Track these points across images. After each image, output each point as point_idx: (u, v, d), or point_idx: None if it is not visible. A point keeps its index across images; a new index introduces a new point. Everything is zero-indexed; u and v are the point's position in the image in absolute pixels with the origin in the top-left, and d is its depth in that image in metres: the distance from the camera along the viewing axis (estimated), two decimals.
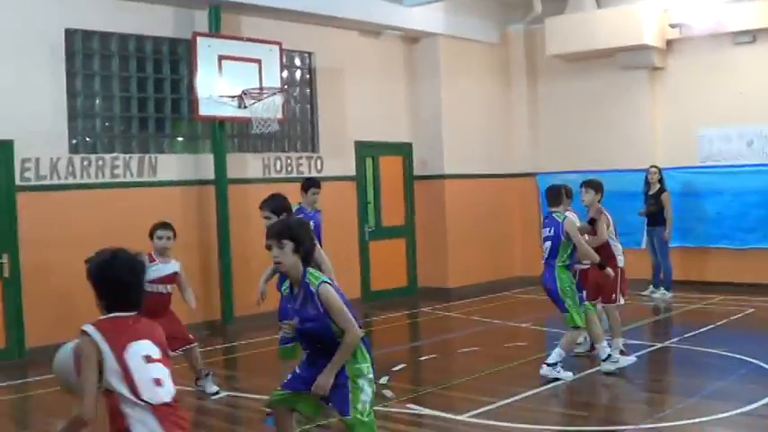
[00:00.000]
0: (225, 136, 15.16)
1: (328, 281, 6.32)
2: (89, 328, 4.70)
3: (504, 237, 19.60)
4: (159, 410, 4.62)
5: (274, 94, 14.98)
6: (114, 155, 14.10)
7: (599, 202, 11.58)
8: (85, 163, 13.72)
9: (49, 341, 12.97)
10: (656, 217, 16.99)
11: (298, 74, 17.00)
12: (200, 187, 14.94)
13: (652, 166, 17.32)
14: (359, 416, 6.40)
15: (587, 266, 11.42)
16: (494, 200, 19.34)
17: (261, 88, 14.87)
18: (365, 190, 17.91)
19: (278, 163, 16.24)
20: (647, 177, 17.20)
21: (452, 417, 9.12)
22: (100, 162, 13.89)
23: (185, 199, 14.78)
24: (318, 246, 8.42)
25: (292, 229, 6.37)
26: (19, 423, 10.18)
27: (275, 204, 9.04)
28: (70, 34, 13.75)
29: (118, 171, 14.08)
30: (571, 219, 10.88)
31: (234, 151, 15.69)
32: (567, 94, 19.80)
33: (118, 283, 4.82)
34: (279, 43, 15.48)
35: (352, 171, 17.46)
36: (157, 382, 4.69)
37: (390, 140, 18.42)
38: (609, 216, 11.56)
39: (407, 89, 18.88)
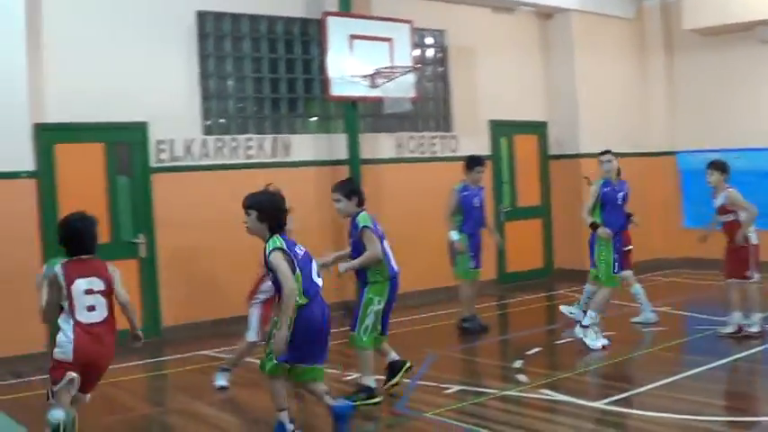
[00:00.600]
0: (357, 116, 15.07)
1: (279, 248, 7.52)
2: (57, 266, 7.25)
3: (643, 218, 19.04)
4: (84, 327, 7.08)
5: (406, 72, 14.84)
6: (248, 136, 14.17)
7: (725, 182, 11.81)
8: (219, 144, 13.81)
9: (185, 320, 13.25)
10: None
11: (429, 52, 16.81)
12: (333, 167, 14.88)
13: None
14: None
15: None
16: (631, 179, 18.66)
17: (392, 67, 14.73)
18: (500, 170, 17.65)
19: (411, 143, 16.11)
20: None
21: (587, 403, 8.85)
22: (234, 143, 13.97)
23: (319, 179, 14.74)
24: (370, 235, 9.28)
25: (260, 202, 7.86)
26: (154, 401, 10.25)
27: (346, 189, 9.45)
28: (202, 16, 13.84)
29: (252, 152, 14.15)
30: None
31: (367, 131, 15.60)
32: (705, 70, 19.17)
33: (73, 233, 7.38)
34: (410, 21, 15.31)
35: (486, 150, 17.20)
36: (90, 308, 7.15)
37: (525, 119, 18.12)
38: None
39: (541, 67, 18.54)
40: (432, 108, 16.81)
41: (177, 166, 13.38)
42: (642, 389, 9.39)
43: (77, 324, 7.05)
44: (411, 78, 15.09)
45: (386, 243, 9.45)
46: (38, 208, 12.21)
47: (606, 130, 18.52)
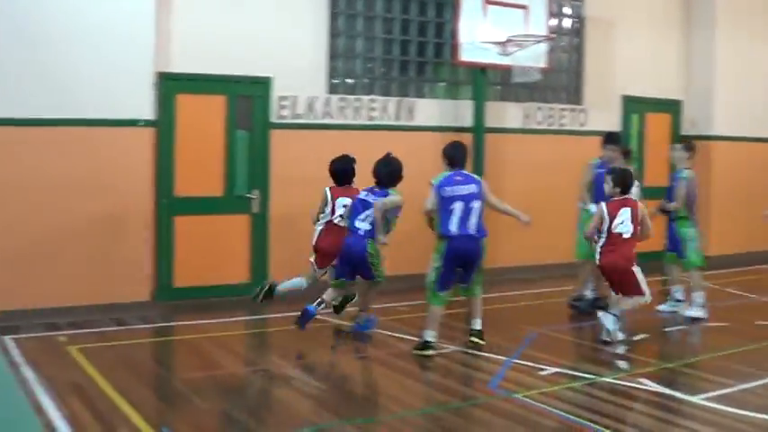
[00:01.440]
0: (486, 83, 14.84)
1: None
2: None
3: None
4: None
5: (539, 42, 14.55)
6: (372, 97, 14.09)
7: None
8: (342, 104, 13.77)
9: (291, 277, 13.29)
10: None
11: (566, 22, 16.45)
12: (457, 134, 14.64)
13: None
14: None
15: None
16: (763, 168, 18.18)
17: (526, 35, 14.44)
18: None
19: (539, 114, 15.84)
20: None
21: (682, 396, 8.63)
22: (357, 104, 13.91)
23: (441, 145, 14.57)
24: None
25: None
26: (245, 360, 10.33)
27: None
28: None
29: (375, 114, 14.08)
30: None
31: (495, 99, 15.38)
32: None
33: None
34: None
35: (616, 126, 16.80)
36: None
37: (659, 96, 17.64)
38: None
39: (680, 43, 17.93)
40: (563, 79, 16.47)
41: (298, 123, 13.37)
42: (746, 385, 9.09)
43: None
44: (544, 48, 14.80)
45: (457, 204, 10.16)
46: (154, 156, 12.36)
47: (746, 113, 17.93)
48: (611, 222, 10.61)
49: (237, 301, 12.40)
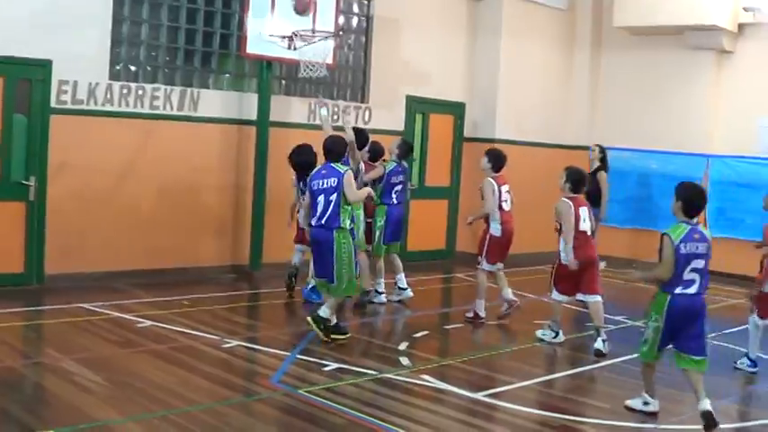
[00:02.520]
0: (272, 77, 14.73)
1: None
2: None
3: (551, 209, 18.89)
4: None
5: (326, 38, 14.51)
6: (156, 85, 13.73)
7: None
8: (125, 91, 13.36)
9: (69, 269, 12.82)
10: (591, 197, 15.82)
11: (354, 20, 16.50)
12: (240, 127, 14.56)
13: (595, 145, 17.29)
14: None
15: None
16: (544, 170, 18.65)
17: (313, 31, 14.37)
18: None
19: (324, 109, 15.77)
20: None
21: (467, 394, 8.72)
22: (140, 91, 13.52)
23: (225, 138, 14.43)
24: None
25: None
26: (22, 353, 9.89)
27: None
28: None
29: (157, 102, 13.72)
30: None
31: (280, 93, 15.28)
32: (631, 69, 19.24)
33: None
34: None
35: (400, 126, 16.98)
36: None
37: (443, 98, 17.89)
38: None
39: (466, 48, 18.31)
40: (349, 77, 16.53)
41: (78, 109, 12.87)
42: (525, 383, 9.32)
43: None
44: (331, 44, 14.77)
45: (320, 197, 10.51)
46: None
47: (525, 118, 18.46)
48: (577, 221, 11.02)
49: (11, 292, 11.89)
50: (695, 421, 8.11)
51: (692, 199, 8.26)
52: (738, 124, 17.82)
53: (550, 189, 18.49)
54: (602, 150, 17.12)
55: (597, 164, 16.91)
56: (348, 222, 10.41)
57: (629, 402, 8.62)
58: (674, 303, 8.03)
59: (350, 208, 10.45)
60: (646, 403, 8.54)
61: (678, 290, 8.01)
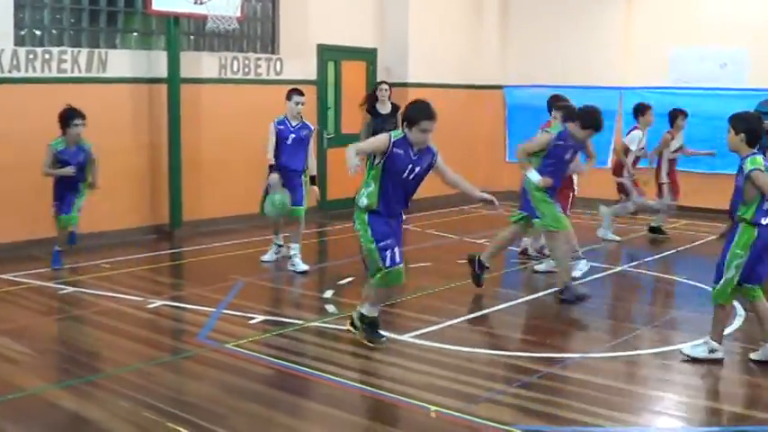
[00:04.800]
0: (180, 33, 14.50)
1: None
2: None
3: (469, 150, 19.04)
4: None
5: None
6: (62, 48, 13.45)
7: None
8: (31, 56, 13.07)
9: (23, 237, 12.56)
10: None
11: None
12: (151, 86, 14.37)
13: (382, 82, 16.33)
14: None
15: None
16: (458, 112, 18.70)
17: None
18: (325, 95, 17.34)
19: (235, 63, 15.61)
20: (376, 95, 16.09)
21: (394, 336, 8.75)
22: (47, 56, 13.23)
23: (135, 97, 14.24)
24: None
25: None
26: None
27: None
28: None
29: (65, 66, 13.45)
30: None
31: (189, 49, 15.10)
32: (541, 5, 19.28)
33: None
34: None
35: (313, 75, 16.89)
36: None
37: (355, 45, 17.80)
38: None
39: None
40: (259, 29, 16.37)
41: None
42: (451, 322, 9.41)
43: None
44: None
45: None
46: None
47: (437, 60, 18.44)
48: None
49: None
50: (623, 348, 8.28)
51: (754, 128, 7.98)
52: (651, 55, 17.98)
53: (466, 129, 18.76)
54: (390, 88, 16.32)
55: (389, 105, 15.98)
56: None
57: (689, 351, 8.27)
58: (761, 234, 7.83)
59: None
60: (712, 350, 8.21)
61: (764, 221, 7.83)
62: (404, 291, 10.06)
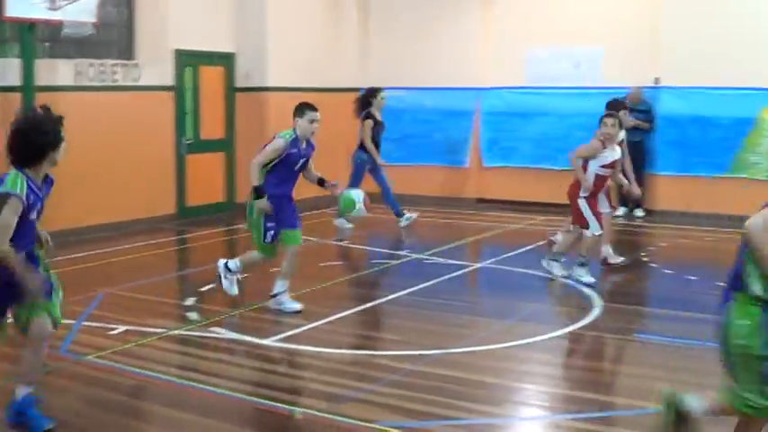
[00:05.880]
0: (34, 40, 14.20)
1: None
2: None
3: (329, 152, 18.99)
4: None
5: None
6: None
7: None
8: None
9: None
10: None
11: None
12: (4, 95, 14.04)
13: (380, 89, 16.50)
14: None
15: None
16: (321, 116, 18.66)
17: None
18: (184, 101, 17.18)
19: (91, 70, 15.36)
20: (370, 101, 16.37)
21: (257, 341, 8.76)
22: None
23: None
24: None
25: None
26: None
27: None
28: None
29: None
30: None
31: (44, 57, 14.82)
32: (400, 8, 19.45)
33: None
34: None
35: (170, 81, 16.72)
36: None
37: (212, 50, 17.69)
38: None
39: None
40: (114, 35, 16.16)
41: None
42: (315, 324, 9.43)
43: None
44: (94, 1, 14.38)
45: None
46: None
47: (296, 64, 18.39)
48: None
49: None
50: (484, 342, 8.44)
51: None
52: (508, 57, 18.31)
53: (327, 133, 18.70)
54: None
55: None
56: None
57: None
58: None
59: None
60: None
61: None
62: (267, 296, 10.07)
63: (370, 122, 15.54)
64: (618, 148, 11.61)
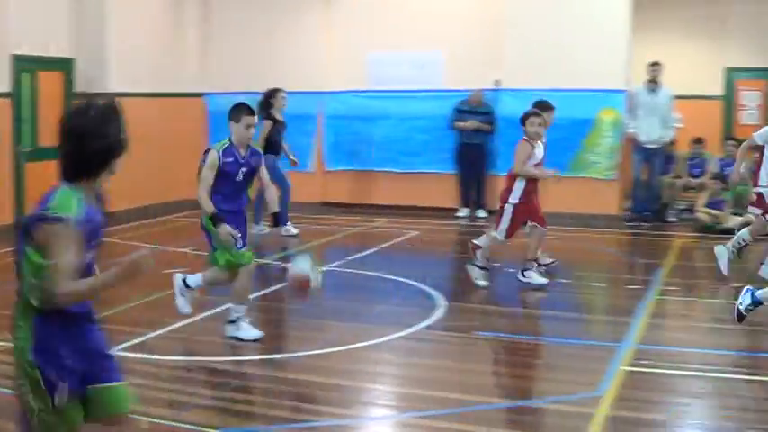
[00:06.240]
0: None
1: None
2: None
3: (172, 159, 18.84)
4: None
5: None
6: None
7: None
8: None
9: None
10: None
11: None
12: None
13: (279, 90, 16.10)
14: None
15: None
16: (162, 121, 18.53)
17: None
18: (21, 108, 16.72)
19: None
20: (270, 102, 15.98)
21: None
22: None
23: None
24: None
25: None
26: None
27: None
28: None
29: None
30: None
31: None
32: (242, 13, 19.35)
33: None
34: None
35: (7, 87, 16.30)
36: None
37: (51, 55, 17.30)
38: None
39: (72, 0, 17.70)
40: None
41: None
42: (158, 332, 9.36)
43: None
44: None
45: None
46: None
47: (139, 69, 18.13)
48: None
49: None
50: (333, 344, 8.48)
51: None
52: (350, 60, 18.41)
53: (167, 139, 18.59)
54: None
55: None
56: None
57: None
58: None
59: None
60: None
61: None
62: (108, 303, 9.91)
63: (269, 123, 15.32)
64: (542, 146, 11.71)
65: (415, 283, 11.35)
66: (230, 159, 8.86)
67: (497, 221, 11.60)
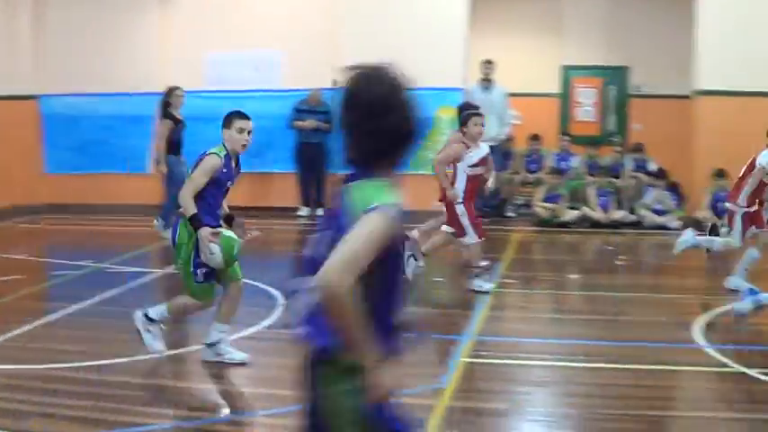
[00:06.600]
0: None
1: None
2: None
3: (4, 164, 18.35)
4: None
5: None
6: None
7: None
8: None
9: None
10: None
11: None
12: None
13: (177, 88, 15.98)
14: None
15: None
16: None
17: None
18: None
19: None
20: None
21: None
22: None
23: None
24: None
25: None
26: None
27: None
28: None
29: None
30: None
31: None
32: (77, 12, 18.97)
33: None
34: None
35: None
36: None
37: None
38: None
39: None
40: None
41: None
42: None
43: None
44: None
45: None
46: None
47: None
48: None
49: None
50: (174, 347, 8.48)
51: None
52: (187, 61, 18.25)
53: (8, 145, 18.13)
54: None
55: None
56: None
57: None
58: None
59: None
60: None
61: None
62: None
63: (167, 122, 14.96)
64: (483, 145, 11.51)
65: (255, 284, 11.34)
66: (225, 169, 8.30)
67: (454, 226, 11.48)
